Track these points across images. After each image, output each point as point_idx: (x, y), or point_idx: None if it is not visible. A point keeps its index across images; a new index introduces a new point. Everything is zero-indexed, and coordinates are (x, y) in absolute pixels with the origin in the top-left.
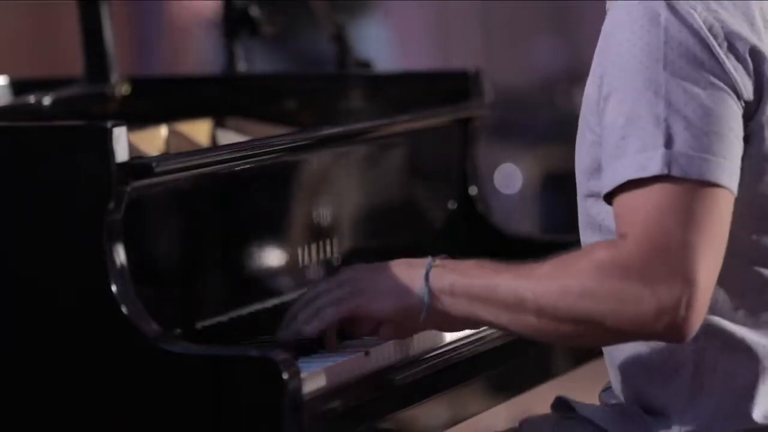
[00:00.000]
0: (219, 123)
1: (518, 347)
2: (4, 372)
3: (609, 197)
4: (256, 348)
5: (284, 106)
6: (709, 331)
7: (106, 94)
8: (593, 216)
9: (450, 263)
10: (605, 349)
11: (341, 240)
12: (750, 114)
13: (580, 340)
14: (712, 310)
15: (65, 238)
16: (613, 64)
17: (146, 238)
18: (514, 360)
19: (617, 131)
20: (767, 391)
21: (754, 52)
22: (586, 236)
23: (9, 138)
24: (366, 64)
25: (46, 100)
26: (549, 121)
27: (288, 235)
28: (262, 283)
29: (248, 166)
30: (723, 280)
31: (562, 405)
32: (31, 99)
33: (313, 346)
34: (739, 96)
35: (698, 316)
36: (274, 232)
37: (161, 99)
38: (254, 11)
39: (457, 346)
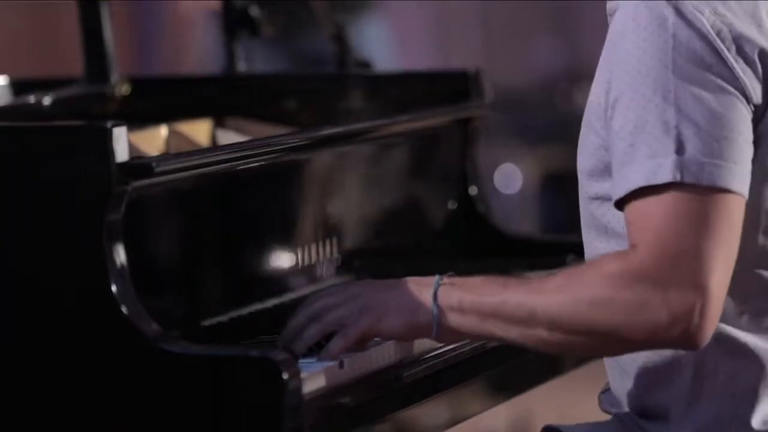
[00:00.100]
0: (219, 123)
1: (518, 348)
2: (4, 372)
3: (619, 203)
4: (256, 348)
5: (284, 106)
6: (712, 335)
7: (106, 94)
8: (598, 218)
9: (458, 280)
10: None
11: (341, 240)
12: (759, 117)
13: (592, 352)
14: None
15: (65, 238)
16: (620, 70)
17: (146, 238)
18: (514, 360)
19: (626, 137)
20: None
21: (763, 55)
22: (590, 237)
23: (9, 138)
24: (366, 64)
25: (46, 100)
26: (549, 121)
27: (288, 235)
28: (262, 283)
29: (248, 166)
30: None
31: None
32: (31, 99)
33: (312, 347)
34: (748, 99)
35: (712, 324)
36: (274, 232)
37: (161, 99)
38: (254, 11)
39: (457, 346)
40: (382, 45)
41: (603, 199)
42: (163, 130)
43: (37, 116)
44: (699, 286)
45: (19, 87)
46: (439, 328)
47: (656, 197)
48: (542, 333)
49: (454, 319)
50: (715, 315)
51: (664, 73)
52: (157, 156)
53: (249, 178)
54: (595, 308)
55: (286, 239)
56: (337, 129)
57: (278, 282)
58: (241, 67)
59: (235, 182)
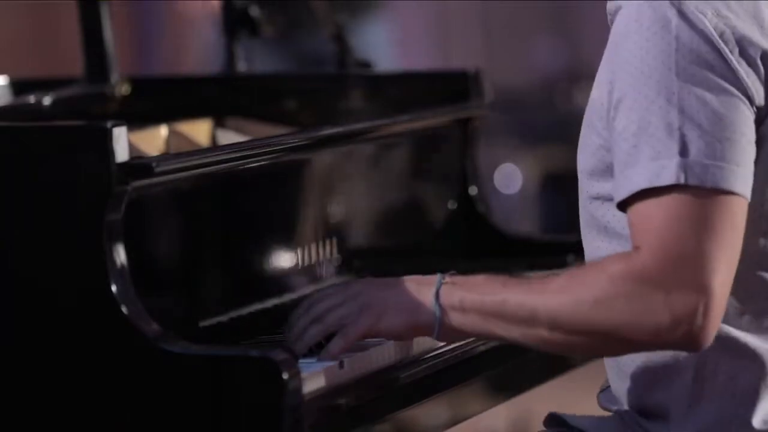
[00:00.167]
0: (219, 123)
1: (518, 347)
2: (4, 372)
3: (622, 205)
4: (256, 348)
5: (284, 106)
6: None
7: (106, 94)
8: (598, 218)
9: (460, 279)
10: None
11: (342, 240)
12: (761, 119)
13: (594, 352)
14: None
15: (65, 238)
16: (623, 71)
17: (146, 238)
18: (514, 360)
19: (629, 138)
20: None
21: (765, 57)
22: (590, 237)
23: (9, 138)
24: (366, 64)
25: (46, 100)
26: (549, 121)
27: (288, 235)
28: (262, 283)
29: (248, 166)
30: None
31: (554, 420)
32: (31, 99)
33: (312, 347)
34: (750, 101)
35: (714, 325)
36: (273, 232)
37: (161, 99)
38: (254, 11)
39: (457, 346)
40: (384, 45)
41: (603, 199)
42: (163, 130)
43: (37, 116)
44: (702, 288)
45: (19, 87)
46: (441, 328)
47: (659, 199)
48: (544, 333)
49: (456, 319)
50: (718, 316)
51: (667, 74)
52: (157, 156)
53: (249, 178)
54: (597, 309)
55: (286, 239)
56: (337, 129)
57: (278, 282)
58: (241, 67)
59: (235, 182)
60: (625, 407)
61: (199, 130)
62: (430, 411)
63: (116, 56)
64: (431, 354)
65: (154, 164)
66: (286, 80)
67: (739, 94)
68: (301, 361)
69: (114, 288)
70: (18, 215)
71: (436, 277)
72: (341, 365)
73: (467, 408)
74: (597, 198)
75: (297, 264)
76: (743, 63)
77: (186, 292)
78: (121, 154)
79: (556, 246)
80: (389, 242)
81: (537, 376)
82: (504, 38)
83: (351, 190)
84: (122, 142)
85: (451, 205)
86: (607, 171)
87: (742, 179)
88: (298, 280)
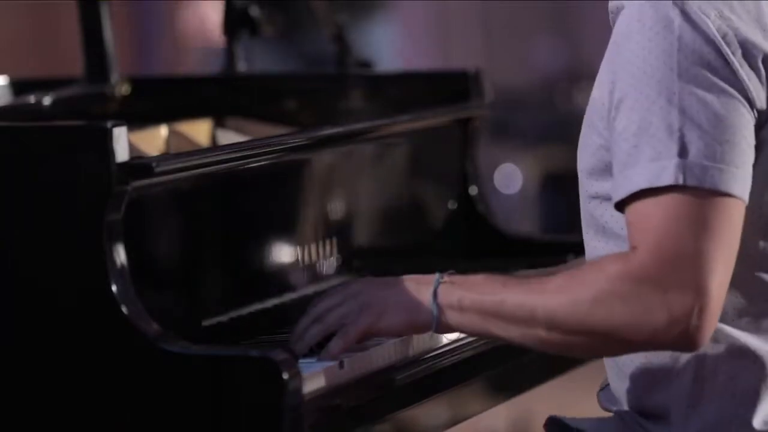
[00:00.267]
0: (219, 123)
1: (518, 347)
2: (4, 372)
3: (620, 204)
4: (256, 348)
5: (284, 106)
6: (712, 336)
7: (106, 94)
8: (597, 217)
9: (458, 278)
10: None
11: (341, 240)
12: (762, 122)
13: (592, 352)
14: None
15: (65, 238)
16: (625, 71)
17: (146, 238)
18: (514, 360)
19: (629, 138)
20: None
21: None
22: (588, 237)
23: (9, 138)
24: (366, 64)
25: (46, 100)
26: (549, 121)
27: (288, 235)
28: (263, 283)
29: (248, 166)
30: (728, 287)
31: (555, 423)
32: (31, 99)
33: (313, 347)
34: (751, 104)
35: (710, 326)
36: (273, 232)
37: (161, 99)
38: (254, 11)
39: (457, 346)
40: (384, 45)
41: (602, 198)
42: (163, 130)
43: (37, 116)
44: (699, 289)
45: (19, 87)
46: (439, 327)
47: (658, 199)
48: (542, 333)
49: (454, 318)
50: (714, 317)
51: (668, 75)
52: (157, 156)
53: (249, 178)
54: (595, 309)
55: (286, 239)
56: (338, 129)
57: (278, 282)
58: (241, 67)
59: (235, 182)
60: (625, 407)
61: (199, 130)
62: (430, 411)
63: (116, 56)
64: (431, 354)
65: (154, 164)
66: (286, 80)
67: (740, 97)
68: (301, 361)
69: (114, 288)
70: (18, 215)
71: (434, 276)
72: (341, 365)
73: (467, 408)
74: (596, 197)
75: (297, 264)
76: (745, 66)
77: (186, 292)
78: (121, 154)
79: (556, 246)
80: (389, 242)
81: (537, 376)
82: (504, 38)
83: (351, 190)
84: (122, 142)
85: (451, 205)
86: (606, 171)
87: (740, 182)
88: (298, 280)
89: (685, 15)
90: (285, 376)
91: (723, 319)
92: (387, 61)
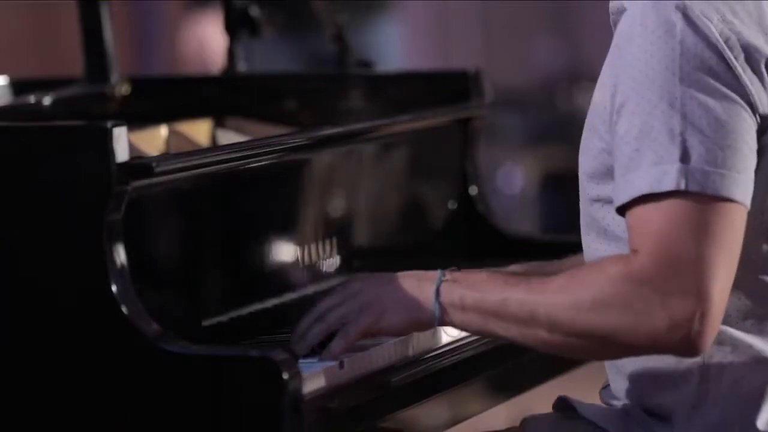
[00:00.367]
0: (219, 123)
1: (518, 347)
2: (4, 372)
3: (621, 208)
4: (256, 348)
5: (284, 106)
6: (717, 339)
7: (106, 94)
8: (598, 220)
9: (460, 277)
10: None
11: (342, 240)
12: (764, 127)
13: (592, 355)
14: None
15: (65, 238)
16: (626, 75)
17: (146, 238)
18: (514, 360)
19: (631, 143)
20: None
21: None
22: (589, 238)
23: (9, 138)
24: (366, 64)
25: (46, 100)
26: (549, 121)
27: (288, 235)
28: (263, 282)
29: (248, 166)
30: (732, 289)
31: (563, 405)
32: (31, 99)
33: (314, 348)
34: (753, 109)
35: (712, 330)
36: (273, 232)
37: (161, 99)
38: (254, 11)
39: (457, 346)
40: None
41: (604, 201)
42: (163, 130)
43: (37, 116)
44: (700, 294)
45: (19, 87)
46: (440, 325)
47: (659, 204)
48: (542, 333)
49: (455, 316)
50: (716, 322)
51: (670, 79)
52: (157, 156)
53: (249, 178)
54: (595, 311)
55: (286, 239)
56: (338, 129)
57: (278, 282)
58: (241, 67)
59: (235, 182)
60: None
61: (199, 130)
62: (429, 411)
63: (116, 56)
64: (431, 354)
65: (154, 164)
66: (286, 80)
67: (742, 102)
68: (301, 361)
69: (114, 288)
70: (18, 215)
71: (436, 274)
72: (341, 365)
73: (467, 408)
74: (597, 200)
75: (297, 264)
76: (747, 70)
77: (186, 292)
78: (121, 154)
79: (556, 246)
80: (389, 242)
81: (537, 376)
82: (504, 38)
83: (351, 190)
84: (122, 142)
85: (451, 205)
86: (608, 174)
87: (742, 187)
88: (298, 280)
89: (687, 19)
90: (285, 376)
91: (727, 322)
92: (387, 61)
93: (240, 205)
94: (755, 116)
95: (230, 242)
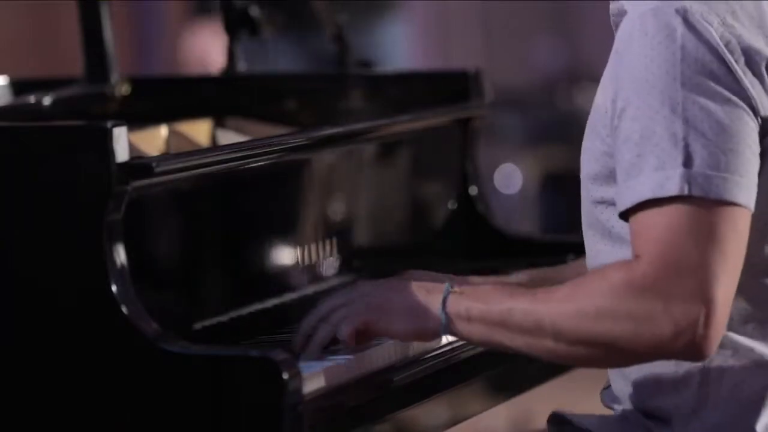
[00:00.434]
0: (219, 123)
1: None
2: (4, 372)
3: (624, 213)
4: (256, 348)
5: (284, 106)
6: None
7: (106, 94)
8: (603, 222)
9: (467, 288)
10: None
11: (341, 240)
12: (766, 130)
13: (597, 363)
14: None
15: (65, 238)
16: (627, 79)
17: (146, 238)
18: (514, 360)
19: (633, 148)
20: None
21: None
22: (593, 240)
23: (9, 138)
24: (366, 64)
25: (46, 100)
26: (549, 121)
27: (288, 235)
28: (262, 283)
29: (248, 166)
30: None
31: (557, 420)
32: (31, 99)
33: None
34: (755, 112)
35: (717, 335)
36: (273, 232)
37: (161, 99)
38: (254, 11)
39: (457, 347)
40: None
41: (608, 203)
42: (163, 130)
43: (37, 116)
44: (704, 298)
45: (19, 87)
46: (446, 335)
47: (662, 209)
48: (548, 343)
49: (462, 327)
50: (721, 327)
51: (672, 84)
52: (157, 156)
53: (249, 178)
54: (599, 319)
55: (286, 239)
56: (337, 129)
57: (278, 282)
58: (241, 67)
59: (235, 182)
60: (629, 407)
61: (199, 130)
62: (430, 411)
63: (116, 56)
64: (431, 354)
65: (154, 164)
66: (286, 80)
67: (744, 105)
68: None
69: (114, 288)
70: (18, 215)
71: (444, 285)
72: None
73: (467, 408)
74: (601, 202)
75: (297, 264)
76: (749, 73)
77: (186, 292)
78: (121, 154)
79: (556, 246)
80: (389, 242)
81: (537, 376)
82: (504, 38)
83: (351, 190)
84: (122, 142)
85: (451, 205)
86: (611, 176)
87: (745, 190)
88: (298, 280)
89: (688, 23)
90: (285, 376)
91: (728, 326)
92: (387, 61)
93: (240, 205)
94: (757, 119)
95: (230, 242)
